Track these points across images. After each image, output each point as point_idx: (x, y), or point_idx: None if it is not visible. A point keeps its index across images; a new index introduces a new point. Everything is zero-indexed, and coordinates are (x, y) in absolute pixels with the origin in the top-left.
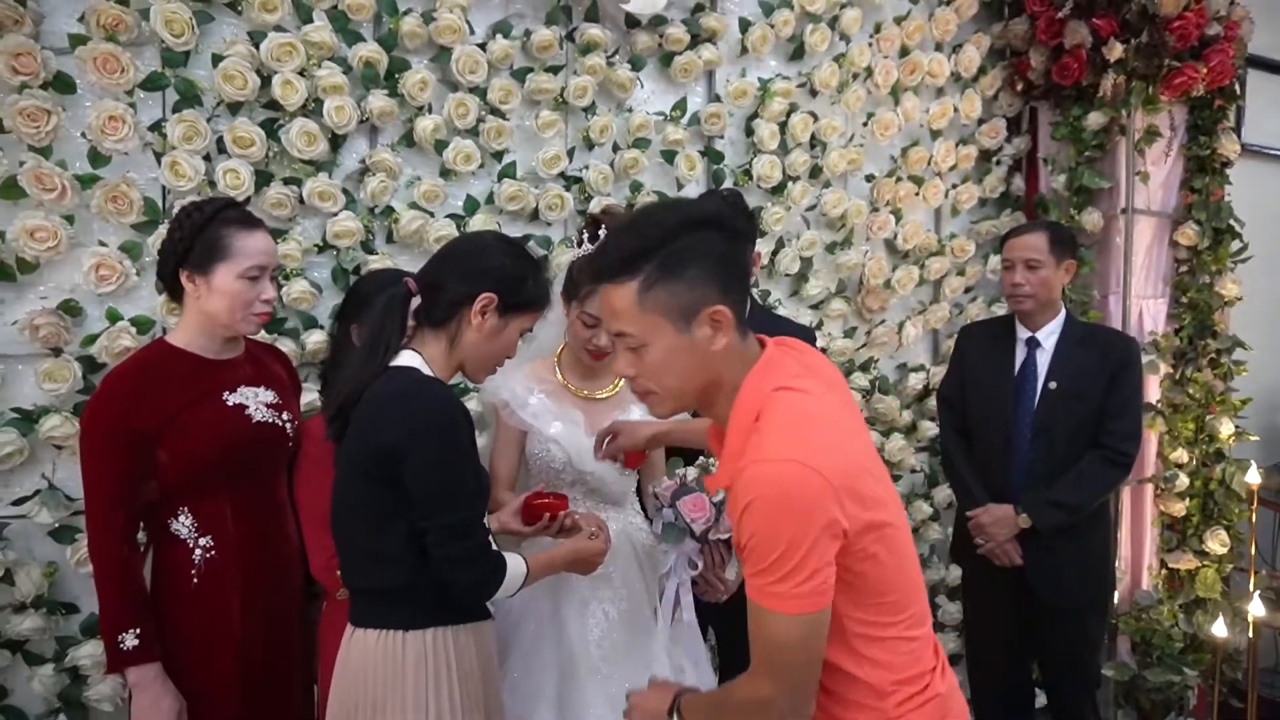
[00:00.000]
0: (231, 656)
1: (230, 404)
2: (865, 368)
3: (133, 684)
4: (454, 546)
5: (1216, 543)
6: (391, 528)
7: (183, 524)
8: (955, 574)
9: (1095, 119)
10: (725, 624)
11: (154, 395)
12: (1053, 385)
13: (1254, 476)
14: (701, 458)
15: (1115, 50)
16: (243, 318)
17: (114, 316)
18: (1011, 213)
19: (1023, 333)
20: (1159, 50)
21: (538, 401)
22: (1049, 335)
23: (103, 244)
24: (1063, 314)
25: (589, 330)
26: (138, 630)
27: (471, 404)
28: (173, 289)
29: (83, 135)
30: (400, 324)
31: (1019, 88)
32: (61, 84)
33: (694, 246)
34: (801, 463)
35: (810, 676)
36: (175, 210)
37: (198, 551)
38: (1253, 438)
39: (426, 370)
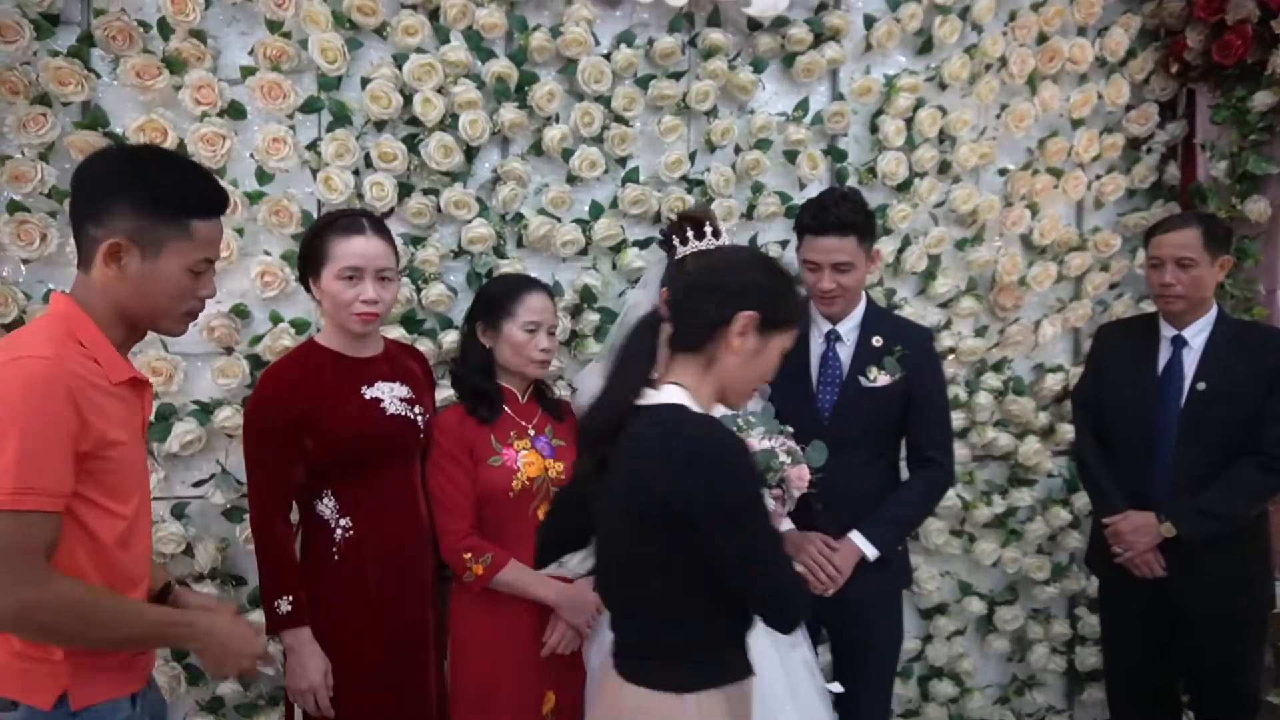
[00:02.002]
0: (370, 625)
1: (367, 397)
2: (998, 367)
3: (286, 645)
4: (775, 588)
5: None
6: (673, 583)
7: (326, 505)
8: (1095, 584)
9: (1263, 99)
10: (835, 620)
11: (303, 390)
12: (1201, 386)
13: None
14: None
15: None
16: (345, 317)
17: (276, 319)
18: (1164, 203)
19: (1167, 331)
20: None
21: None
22: (1198, 333)
23: (267, 253)
24: (1214, 310)
25: None
26: (290, 598)
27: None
28: (310, 291)
29: (250, 156)
30: (650, 349)
31: (1173, 70)
32: (235, 111)
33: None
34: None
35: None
36: None
37: (338, 531)
38: None
39: (694, 405)
